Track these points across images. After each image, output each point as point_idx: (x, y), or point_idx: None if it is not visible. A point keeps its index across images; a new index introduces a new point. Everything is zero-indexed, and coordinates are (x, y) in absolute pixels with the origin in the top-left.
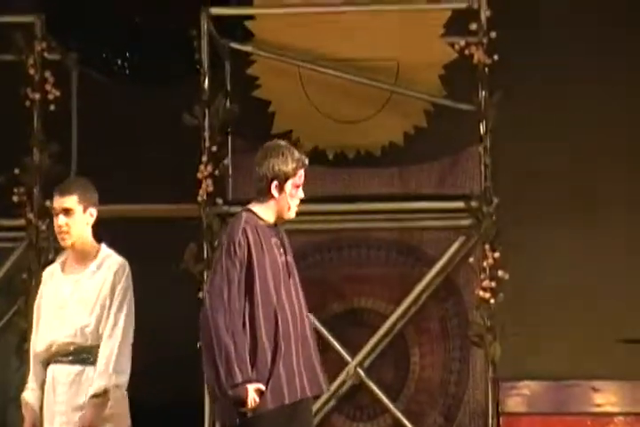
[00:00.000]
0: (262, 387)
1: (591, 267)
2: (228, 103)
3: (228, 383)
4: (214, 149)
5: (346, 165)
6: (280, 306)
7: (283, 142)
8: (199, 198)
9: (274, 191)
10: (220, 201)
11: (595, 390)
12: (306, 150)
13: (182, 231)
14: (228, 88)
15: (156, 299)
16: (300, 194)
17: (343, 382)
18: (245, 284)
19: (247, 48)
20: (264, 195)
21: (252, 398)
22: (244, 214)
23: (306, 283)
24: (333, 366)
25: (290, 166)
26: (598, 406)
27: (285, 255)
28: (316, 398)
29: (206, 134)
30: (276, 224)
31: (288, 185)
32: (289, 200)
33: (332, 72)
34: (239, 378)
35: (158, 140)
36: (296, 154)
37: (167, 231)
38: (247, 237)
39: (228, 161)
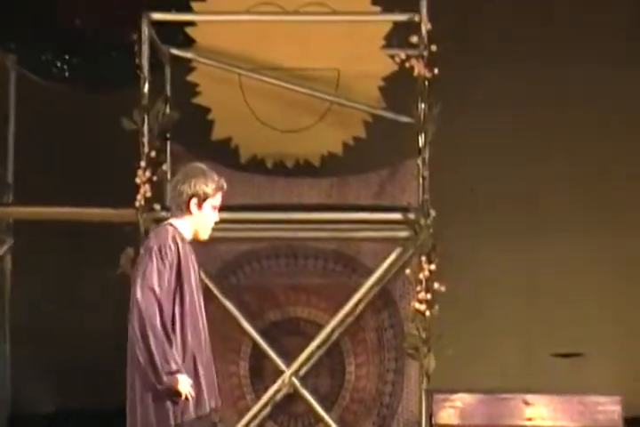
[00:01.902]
0: (191, 381)
1: (527, 281)
2: (167, 109)
3: (164, 370)
4: (153, 154)
5: (285, 174)
6: (200, 317)
7: (203, 166)
8: (137, 203)
9: (193, 208)
10: (157, 207)
11: (527, 403)
12: (245, 158)
13: (119, 236)
14: (168, 94)
15: (92, 302)
16: (216, 216)
17: (278, 391)
18: (174, 289)
19: (188, 54)
20: (182, 211)
21: (189, 391)
22: (170, 228)
23: (244, 291)
24: (269, 374)
25: (210, 187)
26: (530, 419)
27: (196, 273)
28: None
29: (145, 140)
30: (191, 242)
31: (206, 204)
32: (205, 220)
33: (272, 81)
34: (174, 366)
35: (97, 144)
36: (216, 177)
37: (104, 235)
38: (177, 245)
39: (166, 167)
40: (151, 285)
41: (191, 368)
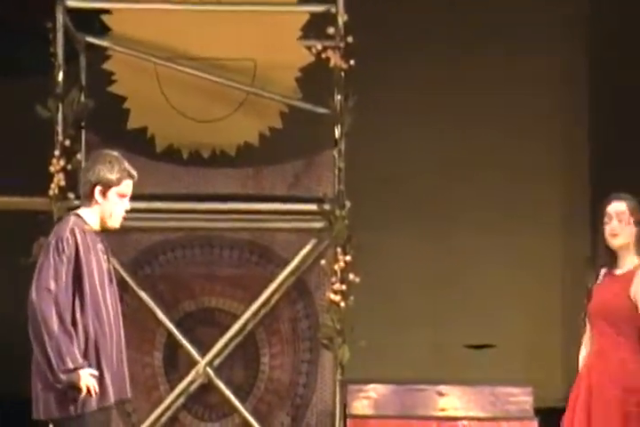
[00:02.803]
0: (95, 372)
1: (440, 272)
2: (82, 97)
3: (59, 369)
4: (67, 143)
5: (201, 164)
6: (105, 308)
7: (114, 153)
8: (51, 192)
9: (97, 196)
10: (71, 195)
11: (440, 394)
12: (161, 148)
13: (33, 225)
14: (83, 82)
15: (4, 291)
16: (126, 204)
17: (192, 381)
18: (73, 281)
19: (103, 43)
20: (89, 200)
21: (92, 384)
22: (72, 218)
23: (159, 281)
24: (183, 364)
25: (115, 175)
26: (443, 410)
27: (108, 262)
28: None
29: (59, 128)
30: (102, 231)
31: (112, 192)
32: (112, 208)
33: (188, 70)
34: (70, 364)
35: (11, 132)
36: (124, 165)
37: (17, 224)
38: (75, 237)
39: (80, 156)
40: (46, 284)
41: (94, 360)
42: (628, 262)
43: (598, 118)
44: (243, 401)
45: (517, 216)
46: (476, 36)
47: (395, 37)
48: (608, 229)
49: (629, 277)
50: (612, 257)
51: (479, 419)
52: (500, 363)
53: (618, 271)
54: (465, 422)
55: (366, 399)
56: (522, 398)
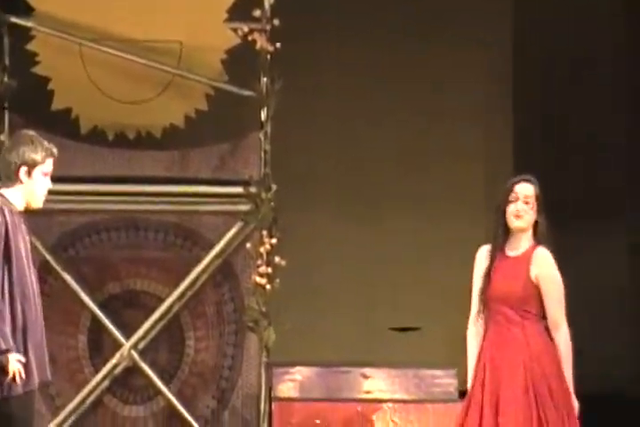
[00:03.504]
0: (22, 358)
1: (366, 255)
2: (5, 78)
3: None
4: None
5: (126, 146)
6: (32, 290)
7: (33, 133)
8: None
9: (22, 177)
10: None
11: (365, 376)
12: (85, 129)
13: None
14: (7, 63)
15: None
16: (48, 183)
17: (117, 364)
18: (2, 261)
19: (27, 23)
20: (13, 180)
21: (18, 369)
22: None
23: (83, 263)
24: (108, 347)
25: (39, 154)
26: (368, 392)
27: (29, 243)
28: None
29: None
30: (26, 211)
31: (36, 172)
32: (36, 187)
33: (113, 52)
34: (2, 344)
35: None
36: (45, 144)
37: None
38: (4, 216)
39: (4, 137)
40: None
41: (21, 342)
42: (522, 244)
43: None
44: (167, 384)
45: (443, 200)
46: (404, 19)
47: (321, 20)
48: (513, 209)
49: (527, 257)
50: (505, 238)
51: (404, 401)
52: (424, 346)
53: (511, 253)
54: (390, 405)
55: (291, 382)
56: (446, 380)
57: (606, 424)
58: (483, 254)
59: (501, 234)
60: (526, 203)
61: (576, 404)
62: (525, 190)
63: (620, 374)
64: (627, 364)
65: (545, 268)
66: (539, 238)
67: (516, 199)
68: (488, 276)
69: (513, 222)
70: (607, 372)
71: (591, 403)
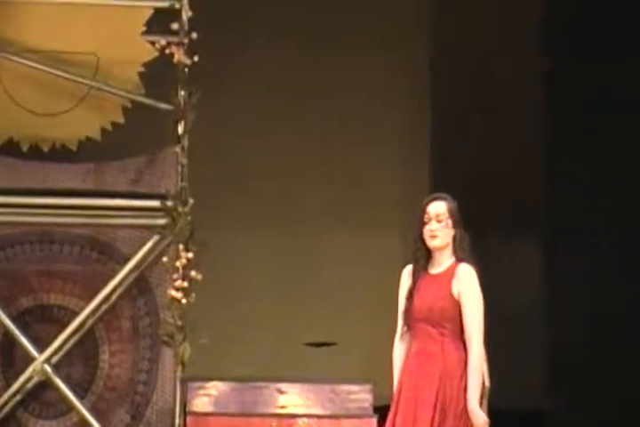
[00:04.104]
0: None
1: (283, 270)
2: None
3: None
4: None
5: (41, 158)
6: None
7: None
8: None
9: None
10: None
11: (280, 391)
12: (0, 141)
13: None
14: None
15: None
16: None
17: (30, 379)
18: None
19: None
20: None
21: None
22: None
23: None
24: (20, 361)
25: None
26: (283, 407)
27: None
28: None
29: None
30: None
31: None
32: None
33: (29, 63)
34: None
35: None
36: None
37: None
38: None
39: None
40: None
41: None
42: (444, 261)
43: (439, 119)
44: (81, 399)
45: (360, 217)
46: (323, 34)
47: (240, 34)
48: (427, 230)
49: (449, 274)
50: (427, 257)
51: (319, 416)
52: (340, 361)
53: (434, 271)
54: (305, 420)
55: (207, 397)
56: (361, 395)
57: None
58: (406, 274)
59: (422, 255)
60: (439, 221)
61: (485, 418)
62: (437, 209)
63: (534, 388)
64: (539, 379)
65: (466, 284)
66: (458, 253)
67: (429, 220)
68: (411, 295)
69: (429, 242)
70: (520, 386)
71: (504, 418)
